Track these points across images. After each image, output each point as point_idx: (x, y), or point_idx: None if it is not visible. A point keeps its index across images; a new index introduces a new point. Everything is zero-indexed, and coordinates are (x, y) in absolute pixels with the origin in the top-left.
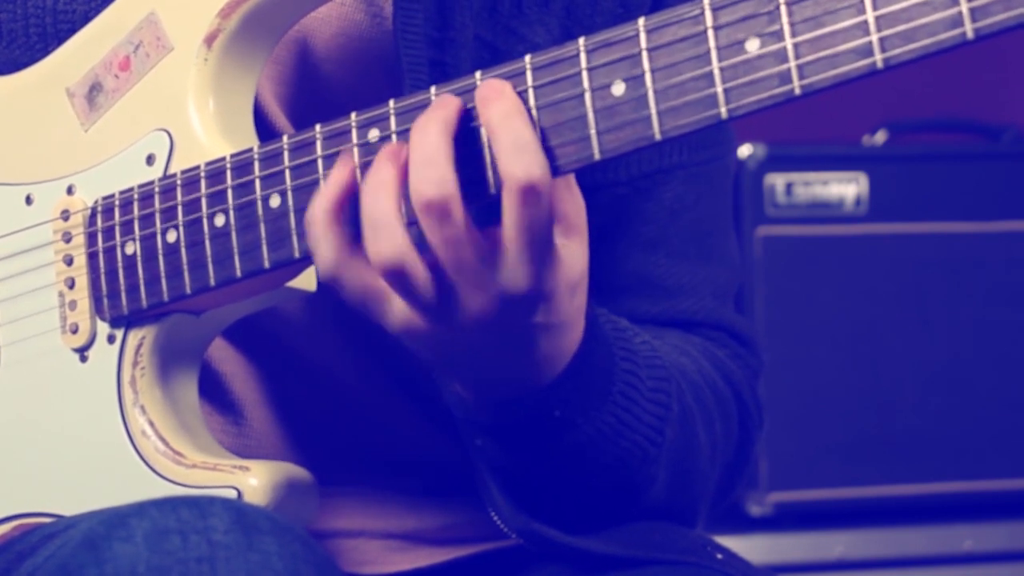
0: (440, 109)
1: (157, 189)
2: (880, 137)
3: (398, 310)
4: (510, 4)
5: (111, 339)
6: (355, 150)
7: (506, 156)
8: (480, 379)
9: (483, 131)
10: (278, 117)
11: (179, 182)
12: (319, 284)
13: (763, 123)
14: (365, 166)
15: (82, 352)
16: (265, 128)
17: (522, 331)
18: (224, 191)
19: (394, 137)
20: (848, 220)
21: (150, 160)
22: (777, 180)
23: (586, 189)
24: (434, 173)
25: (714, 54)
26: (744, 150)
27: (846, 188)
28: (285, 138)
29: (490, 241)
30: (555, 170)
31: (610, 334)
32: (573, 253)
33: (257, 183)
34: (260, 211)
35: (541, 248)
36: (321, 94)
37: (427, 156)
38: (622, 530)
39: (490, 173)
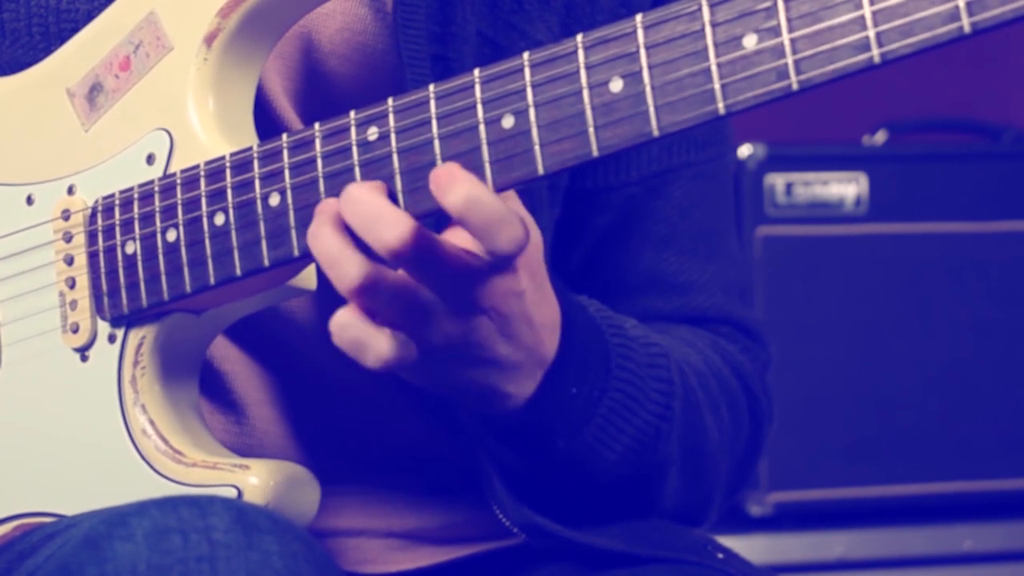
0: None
1: (157, 188)
2: (880, 137)
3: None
4: (511, 0)
5: (112, 338)
6: (354, 149)
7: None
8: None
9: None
10: (286, 111)
11: (179, 181)
12: (319, 283)
13: (763, 123)
14: (364, 164)
15: (83, 351)
16: (274, 123)
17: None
18: (223, 190)
19: (392, 135)
20: (848, 220)
21: (150, 160)
22: (777, 180)
23: (599, 191)
24: (391, 226)
25: (712, 50)
26: (744, 150)
27: (846, 188)
28: (284, 136)
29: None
30: (552, 168)
31: (591, 310)
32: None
33: (256, 182)
34: (260, 209)
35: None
36: (327, 88)
37: (375, 213)
38: (624, 528)
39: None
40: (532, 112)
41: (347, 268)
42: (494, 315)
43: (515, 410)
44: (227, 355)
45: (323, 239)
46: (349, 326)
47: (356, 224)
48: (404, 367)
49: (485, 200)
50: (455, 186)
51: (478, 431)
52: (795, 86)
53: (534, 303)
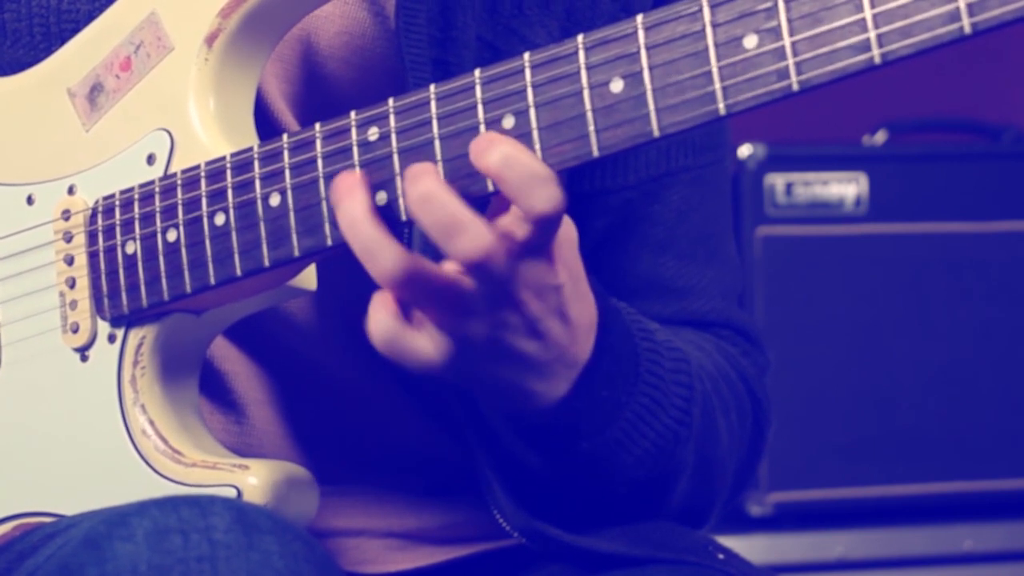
0: (423, 176)
1: (157, 188)
2: (880, 137)
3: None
4: (511, 5)
5: (112, 338)
6: (354, 149)
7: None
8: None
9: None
10: (284, 115)
11: (179, 181)
12: (319, 283)
13: (763, 123)
14: (365, 164)
15: (83, 351)
16: (271, 126)
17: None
18: (224, 190)
19: (393, 136)
20: (848, 220)
21: (151, 160)
22: (777, 180)
23: (596, 193)
24: (471, 239)
25: (712, 51)
26: (744, 150)
27: (846, 188)
28: (285, 137)
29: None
30: (553, 168)
31: (624, 313)
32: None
33: (257, 182)
34: (260, 210)
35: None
36: (325, 92)
37: (455, 221)
38: (624, 529)
39: None
40: (533, 113)
41: (384, 259)
42: (525, 310)
43: (544, 409)
44: (227, 355)
45: (359, 229)
46: (387, 330)
47: (431, 226)
48: (445, 367)
49: (522, 158)
50: (493, 147)
51: (490, 429)
52: (796, 87)
53: (571, 300)
